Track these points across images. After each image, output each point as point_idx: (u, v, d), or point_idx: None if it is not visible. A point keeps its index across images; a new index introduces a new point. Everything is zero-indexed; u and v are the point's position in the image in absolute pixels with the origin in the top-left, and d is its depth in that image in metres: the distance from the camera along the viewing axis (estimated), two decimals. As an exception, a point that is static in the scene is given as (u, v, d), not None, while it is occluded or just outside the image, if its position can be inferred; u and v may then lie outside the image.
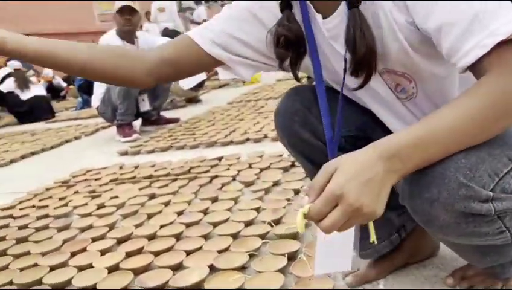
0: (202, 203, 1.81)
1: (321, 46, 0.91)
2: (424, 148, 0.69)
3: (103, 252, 1.50)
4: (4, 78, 6.14)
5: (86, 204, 2.05)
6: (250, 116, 3.68)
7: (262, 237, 1.41)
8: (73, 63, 0.94)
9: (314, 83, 0.95)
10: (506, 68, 0.67)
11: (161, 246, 1.46)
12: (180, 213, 1.75)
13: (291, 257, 1.27)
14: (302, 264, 1.20)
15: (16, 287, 1.39)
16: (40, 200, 2.23)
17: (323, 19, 0.87)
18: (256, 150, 2.57)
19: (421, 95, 0.90)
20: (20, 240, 1.73)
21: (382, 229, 1.04)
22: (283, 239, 1.38)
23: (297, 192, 1.78)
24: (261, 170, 2.15)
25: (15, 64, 6.33)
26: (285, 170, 2.12)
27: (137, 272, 1.33)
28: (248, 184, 2.00)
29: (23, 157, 3.53)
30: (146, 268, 1.36)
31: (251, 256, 1.30)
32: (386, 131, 0.98)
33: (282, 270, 1.19)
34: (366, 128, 1.03)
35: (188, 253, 1.38)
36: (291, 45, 0.90)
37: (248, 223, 1.53)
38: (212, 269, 1.27)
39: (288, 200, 1.70)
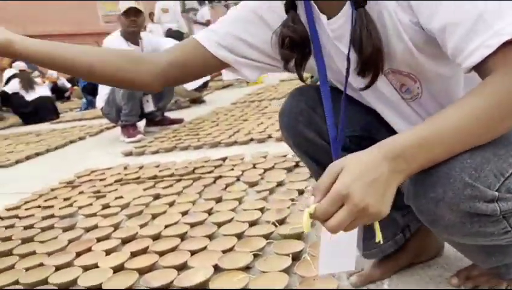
0: (206, 204, 1.82)
1: (326, 46, 0.92)
2: (429, 148, 0.69)
3: (108, 252, 1.51)
4: (9, 79, 6.18)
5: (90, 204, 2.06)
6: (254, 117, 3.69)
7: (267, 237, 1.41)
8: (79, 66, 0.95)
9: (318, 83, 0.95)
10: (511, 68, 0.67)
11: (166, 246, 1.46)
12: (184, 213, 1.75)
13: (296, 257, 1.27)
14: (307, 264, 1.20)
15: (21, 287, 1.40)
16: (45, 201, 2.24)
17: (327, 19, 0.87)
18: (260, 150, 2.58)
19: (426, 95, 0.90)
20: (26, 240, 1.74)
21: (387, 229, 1.04)
22: (287, 239, 1.38)
23: (301, 192, 1.78)
24: (265, 170, 2.16)
25: (20, 65, 6.36)
26: (289, 170, 2.12)
27: (142, 271, 1.33)
28: (252, 184, 2.00)
29: (28, 157, 3.55)
30: (151, 268, 1.37)
31: (255, 256, 1.31)
32: (391, 131, 0.98)
33: (287, 270, 1.20)
34: (370, 128, 1.03)
35: (193, 253, 1.39)
36: (296, 46, 0.90)
37: (252, 223, 1.54)
38: (217, 269, 1.27)
39: (293, 200, 1.70)
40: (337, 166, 0.68)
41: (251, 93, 5.23)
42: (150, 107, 3.81)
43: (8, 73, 6.46)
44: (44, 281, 1.39)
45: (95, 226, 1.78)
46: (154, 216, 1.77)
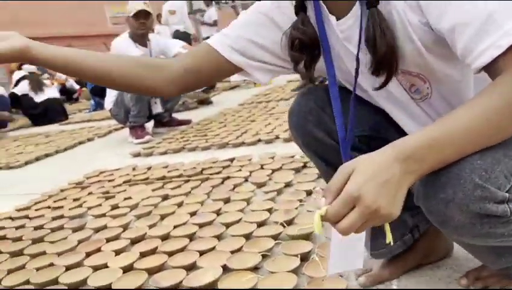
0: (215, 204, 1.83)
1: (335, 47, 0.92)
2: (439, 149, 0.69)
3: (117, 252, 1.52)
4: (18, 80, 6.22)
5: (100, 205, 2.07)
6: (262, 118, 3.69)
7: (275, 237, 1.42)
8: (96, 73, 0.96)
9: (327, 83, 0.96)
10: (521, 68, 0.67)
11: (175, 247, 1.47)
12: (193, 214, 1.76)
13: (304, 257, 1.27)
14: (315, 264, 1.20)
15: (32, 287, 1.41)
16: (54, 201, 2.26)
17: (336, 20, 0.88)
18: (268, 151, 2.58)
19: (436, 95, 0.90)
20: (36, 240, 1.76)
21: (396, 230, 1.03)
22: (296, 240, 1.38)
23: (309, 193, 1.78)
24: (273, 171, 2.16)
25: (30, 67, 6.39)
26: (297, 171, 2.12)
27: (151, 272, 1.34)
28: (260, 185, 2.00)
29: (37, 159, 3.57)
30: (160, 268, 1.37)
31: (264, 256, 1.31)
32: (400, 130, 0.98)
33: (295, 271, 1.20)
34: (379, 128, 1.03)
35: (201, 253, 1.39)
36: (305, 48, 0.91)
37: (260, 224, 1.54)
38: (225, 269, 1.28)
39: (301, 201, 1.70)
40: (349, 167, 0.68)
41: (258, 94, 5.23)
42: (158, 108, 3.82)
43: (17, 75, 6.51)
44: (55, 281, 1.40)
45: (104, 227, 1.79)
46: (162, 217, 1.78)
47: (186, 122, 4.08)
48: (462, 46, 0.72)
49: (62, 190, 2.46)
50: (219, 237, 1.50)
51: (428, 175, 0.72)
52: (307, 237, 1.40)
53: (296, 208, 1.61)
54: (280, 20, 0.95)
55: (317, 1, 0.89)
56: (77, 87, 8.70)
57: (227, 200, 1.86)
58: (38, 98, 5.93)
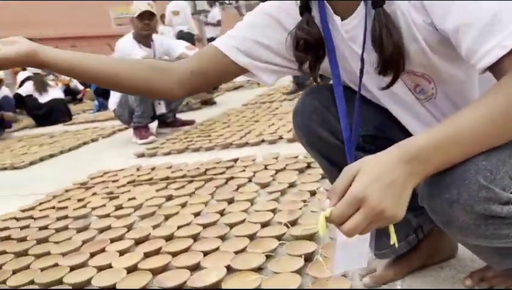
0: (218, 205, 1.83)
1: (339, 47, 0.92)
2: (444, 150, 0.68)
3: (122, 253, 1.52)
4: (23, 81, 6.25)
5: (104, 205, 2.08)
6: (265, 118, 3.69)
7: (279, 238, 1.42)
8: (104, 76, 0.97)
9: (331, 82, 0.96)
10: (526, 68, 0.67)
11: (179, 247, 1.47)
12: (197, 214, 1.76)
13: (308, 258, 1.27)
14: (319, 265, 1.20)
15: (37, 287, 1.42)
16: (59, 202, 2.26)
17: (341, 20, 0.88)
18: (272, 151, 2.58)
19: (441, 95, 0.90)
20: (41, 241, 1.77)
21: (399, 230, 1.03)
22: (299, 240, 1.38)
23: (313, 193, 1.78)
24: (277, 171, 2.16)
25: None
26: (301, 171, 2.12)
27: (155, 272, 1.34)
28: (264, 185, 2.00)
29: (42, 159, 3.59)
30: (164, 268, 1.38)
31: (268, 257, 1.31)
32: (404, 130, 0.98)
33: (299, 271, 1.20)
34: (384, 128, 1.03)
35: (205, 254, 1.39)
36: (310, 48, 0.91)
37: (264, 224, 1.54)
38: (229, 269, 1.28)
39: (304, 201, 1.70)
40: (353, 168, 0.68)
41: (262, 94, 5.24)
42: (161, 109, 3.83)
43: (22, 75, 6.54)
44: (59, 281, 1.41)
45: (109, 227, 1.80)
46: (166, 217, 1.79)
47: (190, 122, 4.09)
48: (467, 47, 0.72)
49: (66, 190, 2.47)
50: (223, 238, 1.51)
51: (433, 175, 0.71)
52: (311, 237, 1.40)
53: (300, 209, 1.61)
54: (285, 21, 0.96)
55: (322, 1, 0.89)
56: (81, 87, 8.73)
57: (231, 201, 1.86)
58: (43, 98, 5.96)
